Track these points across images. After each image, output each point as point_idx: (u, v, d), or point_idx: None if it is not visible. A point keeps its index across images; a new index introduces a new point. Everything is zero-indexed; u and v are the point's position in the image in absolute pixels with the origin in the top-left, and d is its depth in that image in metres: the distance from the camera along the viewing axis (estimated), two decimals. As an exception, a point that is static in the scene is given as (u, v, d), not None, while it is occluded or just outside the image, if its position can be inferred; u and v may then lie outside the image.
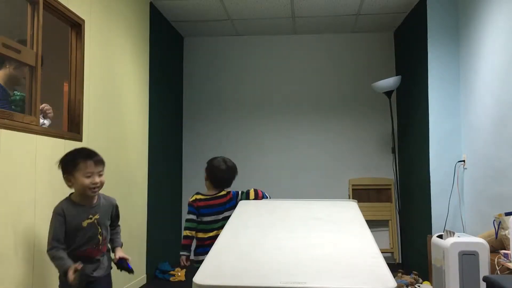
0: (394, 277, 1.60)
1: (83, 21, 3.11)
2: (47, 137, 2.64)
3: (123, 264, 2.31)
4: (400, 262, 4.95)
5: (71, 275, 2.01)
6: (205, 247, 2.63)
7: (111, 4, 3.58)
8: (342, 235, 2.15)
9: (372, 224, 4.97)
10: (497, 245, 2.84)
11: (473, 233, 3.48)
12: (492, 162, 3.30)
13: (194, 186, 4.93)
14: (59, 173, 2.22)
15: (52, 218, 2.14)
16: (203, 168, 2.89)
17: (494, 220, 2.87)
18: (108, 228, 2.34)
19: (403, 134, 5.05)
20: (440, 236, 3.09)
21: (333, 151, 5.39)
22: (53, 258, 2.10)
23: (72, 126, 3.02)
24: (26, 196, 2.43)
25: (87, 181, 2.14)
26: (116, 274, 2.39)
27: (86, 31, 3.15)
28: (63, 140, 2.82)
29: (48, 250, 2.11)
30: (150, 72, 4.41)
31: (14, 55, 2.41)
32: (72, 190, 2.24)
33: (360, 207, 2.71)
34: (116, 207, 2.42)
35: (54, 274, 2.65)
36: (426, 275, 3.79)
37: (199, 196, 2.77)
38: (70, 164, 2.17)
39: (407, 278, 3.83)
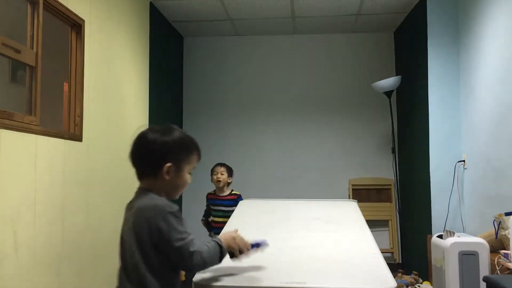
0: (394, 277, 1.60)
1: (83, 21, 3.11)
2: (47, 137, 2.64)
3: None
4: (400, 262, 4.95)
5: None
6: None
7: (111, 4, 3.58)
8: (342, 235, 2.15)
9: (372, 224, 4.96)
10: (497, 245, 2.84)
11: (473, 233, 3.48)
12: (492, 162, 3.30)
13: (194, 185, 4.91)
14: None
15: None
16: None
17: (494, 220, 2.87)
18: None
19: (403, 134, 5.05)
20: (440, 236, 3.09)
21: (333, 151, 5.39)
22: None
23: (72, 126, 3.02)
24: (26, 196, 2.43)
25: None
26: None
27: (86, 31, 3.15)
28: (63, 140, 2.82)
29: None
30: (150, 72, 4.41)
31: (14, 55, 2.41)
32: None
33: (360, 207, 2.71)
34: None
35: (53, 274, 2.65)
36: (426, 275, 3.79)
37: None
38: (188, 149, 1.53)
39: (407, 278, 3.83)
